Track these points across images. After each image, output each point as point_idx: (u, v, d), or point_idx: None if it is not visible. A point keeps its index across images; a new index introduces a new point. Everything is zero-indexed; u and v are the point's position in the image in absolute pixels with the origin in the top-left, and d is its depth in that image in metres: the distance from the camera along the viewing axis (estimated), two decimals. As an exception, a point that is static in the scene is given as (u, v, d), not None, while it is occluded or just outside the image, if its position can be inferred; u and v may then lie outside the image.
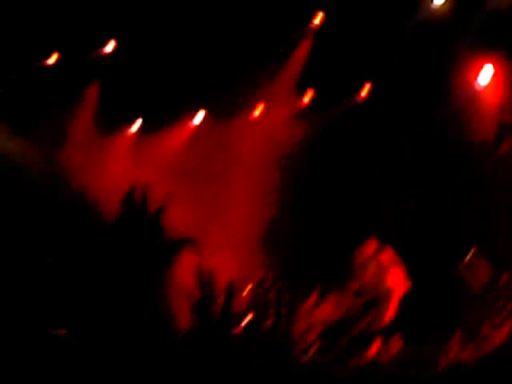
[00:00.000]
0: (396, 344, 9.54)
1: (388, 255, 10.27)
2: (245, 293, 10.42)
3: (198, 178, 12.06)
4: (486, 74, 11.12)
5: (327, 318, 10.15)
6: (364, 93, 12.47)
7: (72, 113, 12.51)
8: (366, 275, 10.18)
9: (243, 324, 9.24)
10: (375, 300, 10.02)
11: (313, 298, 10.40)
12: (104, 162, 12.15)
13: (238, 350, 7.10)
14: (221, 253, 11.11)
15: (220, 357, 6.60)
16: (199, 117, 12.98)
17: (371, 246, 10.38)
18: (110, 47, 12.28)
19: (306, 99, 12.83)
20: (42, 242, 10.10)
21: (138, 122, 12.94)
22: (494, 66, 11.12)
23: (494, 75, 11.13)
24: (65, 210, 11.05)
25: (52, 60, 12.13)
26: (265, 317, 9.82)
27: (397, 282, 10.04)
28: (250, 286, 10.56)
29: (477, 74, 11.25)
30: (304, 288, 10.63)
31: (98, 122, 12.50)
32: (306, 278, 10.94)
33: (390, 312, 9.93)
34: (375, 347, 9.59)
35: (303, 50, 12.41)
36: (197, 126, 12.96)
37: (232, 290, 7.67)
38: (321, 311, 10.31)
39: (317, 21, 12.25)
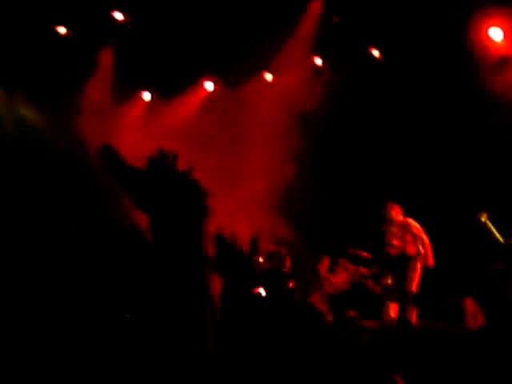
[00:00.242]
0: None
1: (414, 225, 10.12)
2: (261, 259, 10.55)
3: (213, 143, 12.13)
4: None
5: (341, 285, 10.26)
6: (376, 53, 12.37)
7: (87, 81, 12.58)
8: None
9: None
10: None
11: (325, 266, 10.52)
12: (119, 129, 12.22)
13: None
14: (237, 219, 11.23)
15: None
16: (211, 83, 12.97)
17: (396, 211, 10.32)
18: (121, 15, 12.24)
19: (319, 61, 12.76)
20: (64, 211, 10.14)
21: (152, 90, 12.97)
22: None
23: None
24: (84, 177, 11.12)
25: (64, 29, 12.14)
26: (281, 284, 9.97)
27: (419, 250, 9.91)
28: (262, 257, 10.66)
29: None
30: (318, 256, 10.76)
31: (113, 89, 12.57)
32: (321, 246, 11.04)
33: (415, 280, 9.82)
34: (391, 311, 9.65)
35: (314, 12, 12.31)
36: (210, 92, 12.96)
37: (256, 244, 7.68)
38: (335, 278, 10.45)
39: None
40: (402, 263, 9.83)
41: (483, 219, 9.44)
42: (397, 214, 10.04)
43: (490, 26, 11.06)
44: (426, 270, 9.88)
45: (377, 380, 6.80)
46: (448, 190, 11.46)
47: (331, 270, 10.62)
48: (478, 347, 7.07)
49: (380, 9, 11.43)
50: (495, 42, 11.09)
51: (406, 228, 9.91)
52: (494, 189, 10.82)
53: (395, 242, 9.93)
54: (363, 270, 10.51)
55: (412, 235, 9.84)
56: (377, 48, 12.32)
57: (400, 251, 9.85)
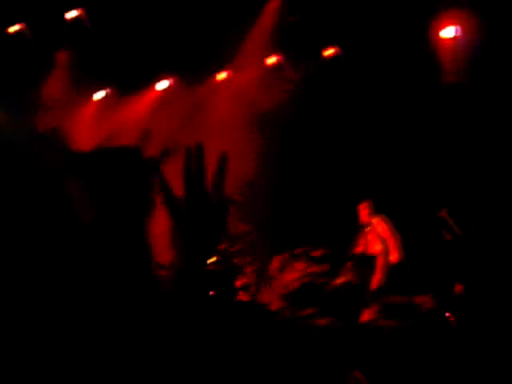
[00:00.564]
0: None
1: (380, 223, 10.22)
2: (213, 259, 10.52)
3: (170, 142, 12.05)
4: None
5: (291, 283, 10.24)
6: (330, 52, 12.43)
7: (43, 80, 12.50)
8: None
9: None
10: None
11: (276, 265, 10.49)
12: (74, 127, 12.14)
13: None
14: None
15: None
16: (167, 82, 12.93)
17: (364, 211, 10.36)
18: (74, 14, 12.16)
19: (275, 59, 12.77)
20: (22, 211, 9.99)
21: (108, 88, 12.90)
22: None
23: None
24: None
25: (16, 28, 12.04)
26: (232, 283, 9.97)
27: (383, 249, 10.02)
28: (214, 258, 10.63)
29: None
30: (270, 255, 10.73)
31: (70, 87, 12.50)
32: (273, 245, 11.03)
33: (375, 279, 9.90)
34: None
35: (273, 10, 12.33)
36: (163, 91, 12.91)
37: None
38: (285, 276, 10.41)
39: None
40: (367, 262, 9.95)
41: (443, 215, 9.55)
42: (364, 213, 10.17)
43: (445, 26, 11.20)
44: (393, 268, 9.99)
45: (334, 377, 6.81)
46: (412, 186, 11.54)
47: (282, 269, 10.60)
48: (435, 344, 7.10)
49: (338, 6, 11.52)
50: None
51: (373, 227, 10.03)
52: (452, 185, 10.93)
53: (361, 241, 10.05)
54: (315, 268, 10.51)
55: (378, 234, 9.96)
56: (336, 46, 12.36)
57: (365, 250, 9.97)
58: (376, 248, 9.97)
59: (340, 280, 10.00)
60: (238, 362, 6.68)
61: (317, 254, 10.64)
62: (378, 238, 9.97)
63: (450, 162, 11.14)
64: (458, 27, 11.14)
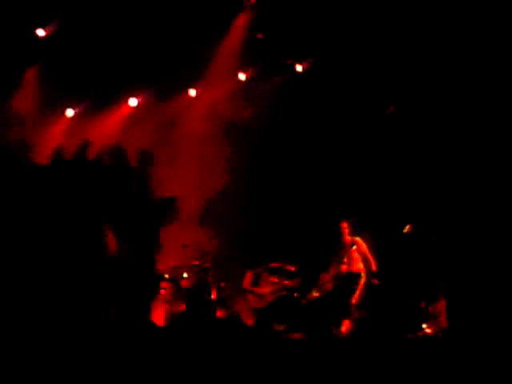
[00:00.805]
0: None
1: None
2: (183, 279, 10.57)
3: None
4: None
5: (265, 297, 10.33)
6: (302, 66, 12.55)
7: (11, 96, 12.42)
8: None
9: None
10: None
11: (249, 279, 10.59)
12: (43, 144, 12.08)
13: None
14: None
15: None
16: (137, 100, 12.93)
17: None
18: (43, 31, 12.11)
19: (245, 75, 12.86)
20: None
21: (76, 106, 12.88)
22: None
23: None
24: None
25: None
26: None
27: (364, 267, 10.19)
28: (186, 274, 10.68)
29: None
30: (242, 270, 10.80)
31: (39, 105, 12.45)
32: (245, 260, 11.09)
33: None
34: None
35: (241, 26, 12.39)
36: (136, 107, 12.91)
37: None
38: (259, 291, 10.51)
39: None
40: (349, 279, 10.15)
41: (408, 230, 9.78)
42: (345, 233, 10.34)
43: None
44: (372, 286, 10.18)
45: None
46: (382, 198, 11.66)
47: (255, 283, 10.67)
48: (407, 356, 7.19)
49: (305, 24, 11.64)
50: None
51: (357, 245, 10.21)
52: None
53: (345, 260, 10.23)
54: (288, 282, 10.61)
55: (359, 253, 10.14)
56: (302, 61, 12.48)
57: (348, 268, 10.15)
58: (360, 266, 10.14)
59: (315, 294, 10.17)
60: (213, 376, 6.71)
61: (292, 268, 10.82)
62: (361, 256, 10.16)
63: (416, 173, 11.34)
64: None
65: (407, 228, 9.81)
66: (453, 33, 10.68)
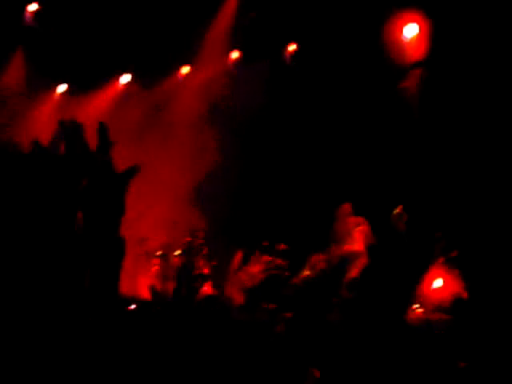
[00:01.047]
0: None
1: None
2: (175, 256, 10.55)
3: (132, 138, 12.01)
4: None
5: (252, 279, 10.31)
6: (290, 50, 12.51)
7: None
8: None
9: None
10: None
11: (239, 258, 10.57)
12: (31, 124, 12.02)
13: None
14: (152, 214, 11.17)
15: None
16: (125, 78, 12.88)
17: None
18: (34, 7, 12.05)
19: (233, 57, 12.83)
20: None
21: (65, 84, 12.82)
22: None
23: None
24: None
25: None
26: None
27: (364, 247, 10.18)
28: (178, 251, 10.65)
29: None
30: (233, 249, 10.79)
31: (27, 85, 12.38)
32: (236, 239, 11.08)
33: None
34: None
35: (230, 8, 12.38)
36: (127, 86, 12.87)
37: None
38: (246, 272, 10.50)
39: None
40: (349, 259, 10.11)
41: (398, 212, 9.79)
42: (344, 214, 10.31)
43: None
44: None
45: (292, 372, 6.83)
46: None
47: (246, 262, 10.65)
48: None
49: (297, 5, 11.62)
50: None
51: (353, 227, 10.20)
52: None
53: (342, 241, 10.21)
54: (279, 261, 10.59)
55: (358, 233, 10.14)
56: (295, 43, 12.45)
57: (346, 249, 10.15)
58: (357, 247, 10.13)
59: (306, 273, 10.13)
60: (200, 358, 6.69)
61: (282, 247, 10.77)
62: (360, 237, 10.15)
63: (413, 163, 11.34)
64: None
65: (398, 209, 9.80)
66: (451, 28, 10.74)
